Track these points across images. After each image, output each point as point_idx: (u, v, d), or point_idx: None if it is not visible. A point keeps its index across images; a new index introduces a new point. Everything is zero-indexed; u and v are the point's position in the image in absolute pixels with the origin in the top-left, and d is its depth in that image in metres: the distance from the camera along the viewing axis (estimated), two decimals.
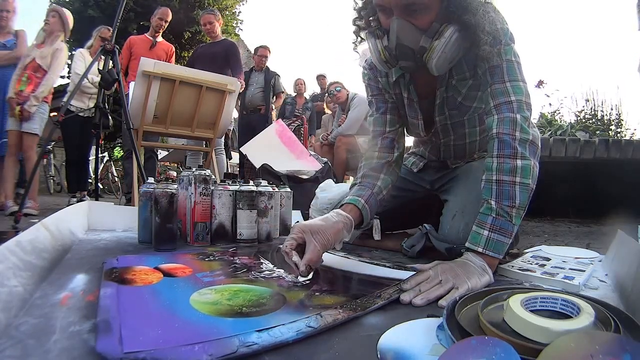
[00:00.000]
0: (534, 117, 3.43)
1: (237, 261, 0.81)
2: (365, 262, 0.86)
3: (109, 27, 3.09)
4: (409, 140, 1.34)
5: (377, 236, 1.03)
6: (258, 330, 0.44)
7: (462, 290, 0.63)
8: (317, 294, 0.61)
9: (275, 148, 2.71)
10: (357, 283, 0.73)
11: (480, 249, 0.72)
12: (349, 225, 0.81)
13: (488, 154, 0.80)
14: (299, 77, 4.90)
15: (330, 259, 0.87)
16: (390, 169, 1.00)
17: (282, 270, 0.74)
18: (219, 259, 0.82)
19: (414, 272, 0.73)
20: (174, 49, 3.20)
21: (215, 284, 0.63)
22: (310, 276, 0.69)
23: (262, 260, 0.82)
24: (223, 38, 3.10)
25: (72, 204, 1.46)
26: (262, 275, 0.71)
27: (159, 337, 0.42)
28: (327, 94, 3.80)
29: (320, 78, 4.93)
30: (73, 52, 3.48)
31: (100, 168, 5.02)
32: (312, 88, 5.48)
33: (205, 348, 0.39)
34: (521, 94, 0.79)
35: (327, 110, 4.34)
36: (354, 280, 0.74)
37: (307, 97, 4.81)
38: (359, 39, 0.89)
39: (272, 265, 0.78)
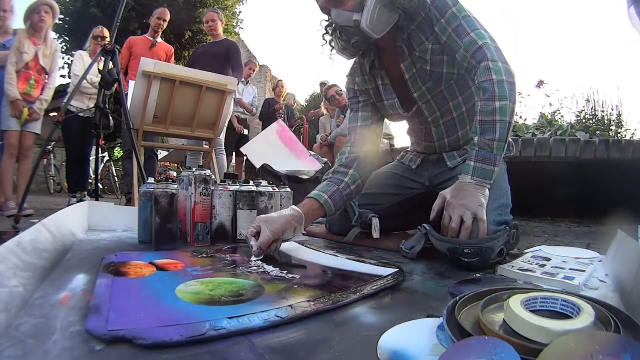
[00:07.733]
0: (534, 117, 3.44)
1: (228, 258, 0.83)
2: (351, 259, 0.88)
3: (103, 26, 3.08)
4: (407, 142, 1.35)
5: (375, 234, 1.04)
6: (229, 317, 0.48)
7: (480, 215, 0.81)
8: (295, 286, 0.64)
9: (275, 148, 2.72)
10: (339, 278, 0.75)
11: (469, 177, 0.87)
12: (298, 218, 0.93)
13: (477, 99, 0.93)
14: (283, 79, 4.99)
15: (317, 256, 0.91)
16: (360, 164, 1.10)
17: (270, 266, 0.77)
18: (212, 255, 0.85)
19: (398, 269, 0.76)
20: (173, 50, 3.20)
21: (202, 277, 0.67)
22: (261, 257, 0.83)
23: (253, 258, 0.84)
24: (224, 38, 3.09)
25: (72, 204, 1.46)
26: (248, 270, 0.74)
27: (141, 319, 0.47)
28: (327, 100, 3.80)
29: (331, 88, 4.88)
30: (73, 53, 3.48)
31: (100, 168, 5.02)
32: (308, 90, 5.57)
33: (178, 329, 0.44)
34: (485, 38, 0.92)
35: (323, 111, 4.34)
36: (336, 275, 0.76)
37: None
38: (332, 49, 1.07)
39: (260, 262, 0.81)
